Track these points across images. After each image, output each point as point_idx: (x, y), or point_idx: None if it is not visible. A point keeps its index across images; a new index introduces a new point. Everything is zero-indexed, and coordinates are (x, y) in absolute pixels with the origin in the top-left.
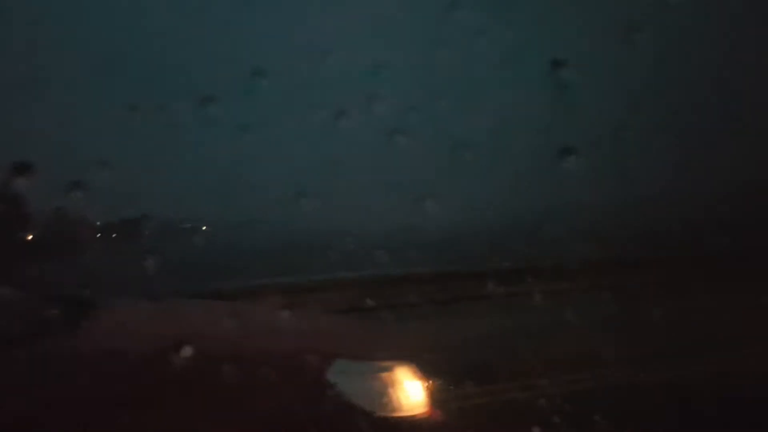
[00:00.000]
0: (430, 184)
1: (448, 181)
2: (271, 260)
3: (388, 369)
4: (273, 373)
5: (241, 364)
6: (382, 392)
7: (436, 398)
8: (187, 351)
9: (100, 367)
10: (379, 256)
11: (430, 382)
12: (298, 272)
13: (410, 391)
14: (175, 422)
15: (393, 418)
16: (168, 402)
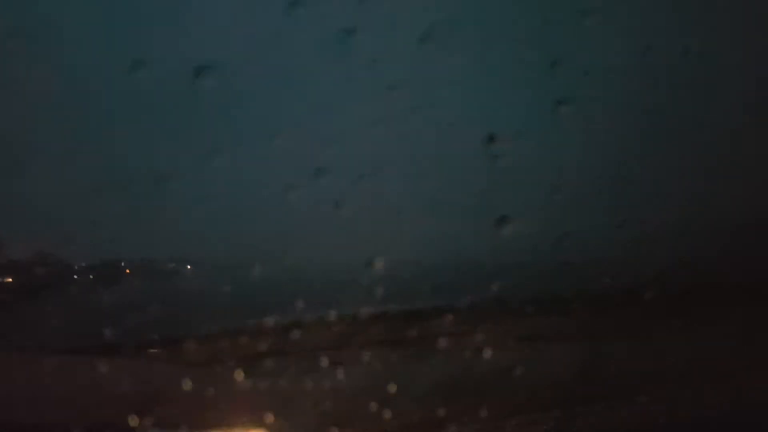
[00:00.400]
0: (378, 247)
1: (395, 242)
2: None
3: None
4: None
5: None
6: None
7: None
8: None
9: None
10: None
11: None
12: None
13: None
14: None
15: None
16: None
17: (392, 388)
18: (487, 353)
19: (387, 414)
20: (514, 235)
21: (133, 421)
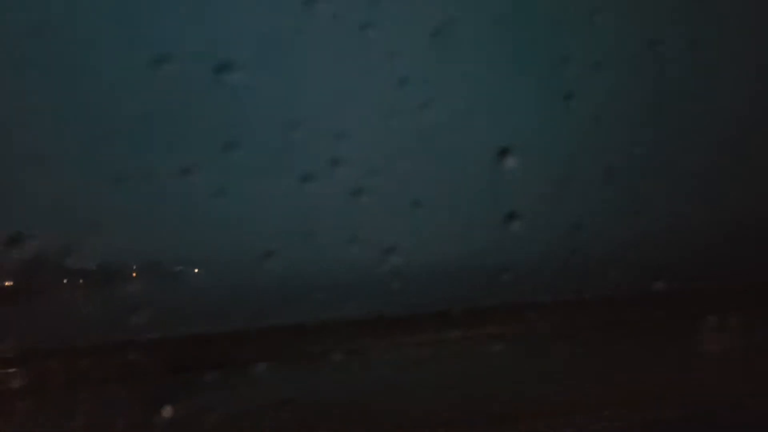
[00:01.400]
0: (393, 239)
1: (408, 235)
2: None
3: None
4: None
5: None
6: None
7: None
8: None
9: None
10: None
11: None
12: (271, 324)
13: None
14: None
15: None
16: None
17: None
18: None
19: None
20: (524, 229)
21: None
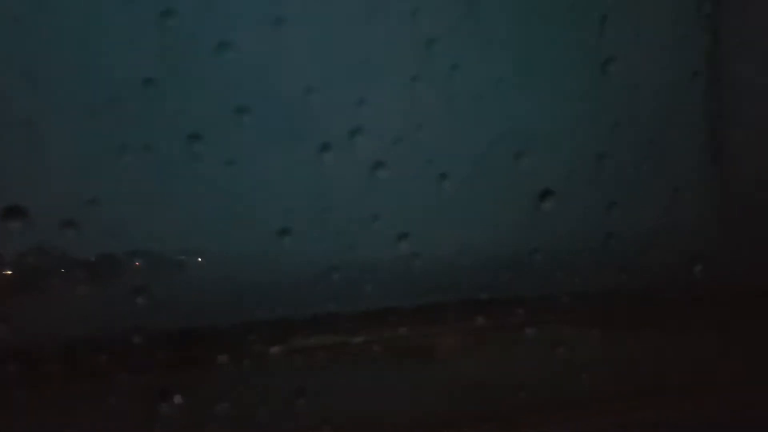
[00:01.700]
0: (415, 218)
1: (433, 214)
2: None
3: None
4: None
5: None
6: None
7: None
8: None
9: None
10: (367, 290)
11: None
12: (285, 308)
13: None
14: None
15: None
16: None
17: None
18: None
19: None
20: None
21: None
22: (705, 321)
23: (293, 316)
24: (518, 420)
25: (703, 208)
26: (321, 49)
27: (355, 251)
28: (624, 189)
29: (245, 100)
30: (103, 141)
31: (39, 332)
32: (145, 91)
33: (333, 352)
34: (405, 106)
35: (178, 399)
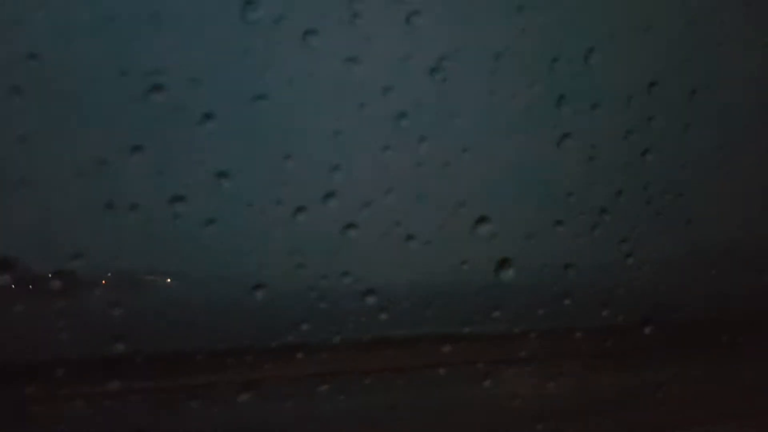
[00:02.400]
0: (383, 274)
1: (399, 270)
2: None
3: None
4: None
5: None
6: None
7: None
8: None
9: None
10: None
11: None
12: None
13: None
14: None
15: None
16: None
17: None
18: None
19: None
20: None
21: None
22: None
23: (264, 364)
24: None
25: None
26: (299, 120)
27: (328, 299)
28: (577, 250)
29: (226, 165)
30: (91, 199)
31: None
32: (132, 157)
33: (306, 388)
34: (376, 172)
35: None
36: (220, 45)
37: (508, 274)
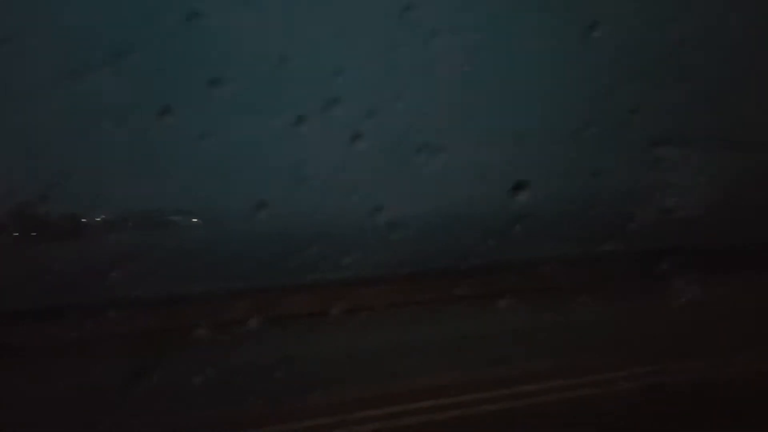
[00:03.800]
0: (391, 187)
1: (410, 183)
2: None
3: None
4: None
5: None
6: None
7: None
8: None
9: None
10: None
11: None
12: (264, 279)
13: None
14: None
15: None
16: None
17: None
18: None
19: None
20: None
21: None
22: None
23: (272, 286)
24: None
25: None
26: (296, 17)
27: (335, 220)
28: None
29: (217, 72)
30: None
31: (14, 300)
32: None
33: (316, 320)
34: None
35: (155, 373)
36: None
37: (525, 195)
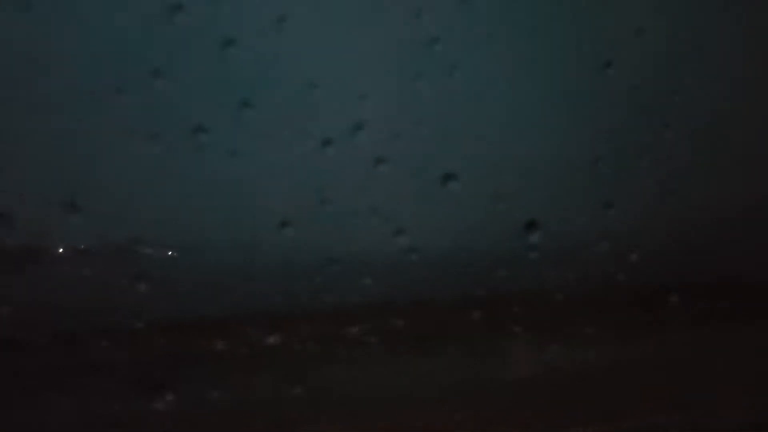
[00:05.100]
0: (414, 213)
1: (431, 209)
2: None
3: None
4: None
5: None
6: None
7: None
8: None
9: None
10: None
11: None
12: (284, 298)
13: None
14: None
15: None
16: None
17: None
18: None
19: None
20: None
21: None
22: None
23: (291, 306)
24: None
25: None
26: (325, 45)
27: (356, 242)
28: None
29: (249, 94)
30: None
31: (36, 319)
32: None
33: (329, 345)
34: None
35: (170, 396)
36: None
37: (536, 236)
